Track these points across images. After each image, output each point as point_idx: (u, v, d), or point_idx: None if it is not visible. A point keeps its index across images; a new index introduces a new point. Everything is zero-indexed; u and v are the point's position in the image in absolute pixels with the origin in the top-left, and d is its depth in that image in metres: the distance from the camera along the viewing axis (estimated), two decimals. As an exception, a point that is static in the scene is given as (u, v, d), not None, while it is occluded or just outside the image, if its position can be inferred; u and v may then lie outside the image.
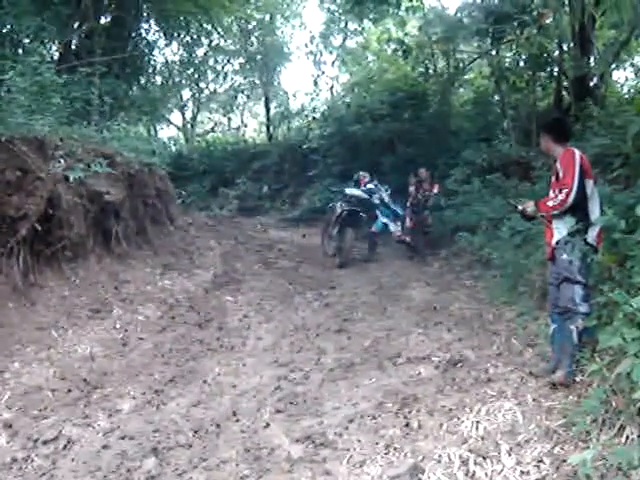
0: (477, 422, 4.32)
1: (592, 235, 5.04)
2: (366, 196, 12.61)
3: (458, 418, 4.44)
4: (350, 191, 12.77)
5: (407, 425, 4.43)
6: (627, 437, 3.64)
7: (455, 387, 5.14)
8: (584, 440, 3.84)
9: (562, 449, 3.81)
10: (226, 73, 30.35)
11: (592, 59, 14.54)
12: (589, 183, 5.08)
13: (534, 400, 4.61)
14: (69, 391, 5.40)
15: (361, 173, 13.40)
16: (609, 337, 4.13)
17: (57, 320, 7.09)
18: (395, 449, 4.06)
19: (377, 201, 12.55)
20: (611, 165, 8.45)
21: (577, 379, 4.79)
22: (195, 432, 4.55)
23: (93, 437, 4.49)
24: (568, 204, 4.99)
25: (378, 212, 12.63)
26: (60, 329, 6.91)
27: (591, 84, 14.53)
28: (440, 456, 3.90)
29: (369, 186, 12.83)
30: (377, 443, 4.17)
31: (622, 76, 18.72)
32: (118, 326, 7.28)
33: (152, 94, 19.50)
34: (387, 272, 11.36)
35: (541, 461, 3.71)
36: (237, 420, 4.76)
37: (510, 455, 3.83)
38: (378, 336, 6.96)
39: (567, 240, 5.06)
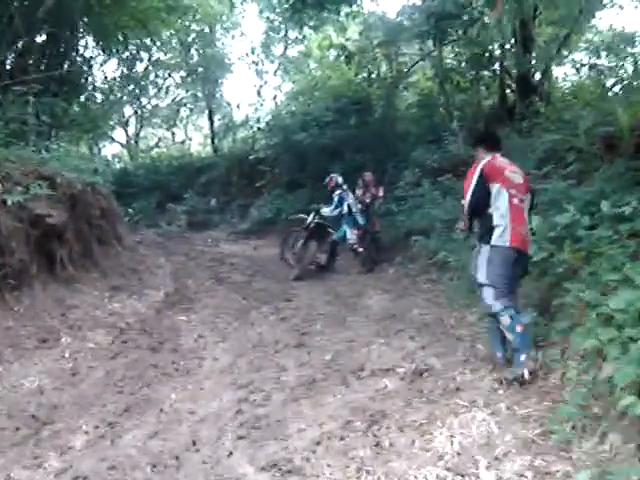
0: (451, 436, 4.12)
1: (497, 236, 5.23)
2: (336, 213, 12.33)
3: (431, 433, 4.23)
4: (324, 212, 12.35)
5: (378, 444, 4.19)
6: (611, 445, 3.47)
7: (424, 399, 4.93)
8: (565, 449, 3.67)
9: (543, 460, 3.63)
10: (168, 87, 30.00)
11: (534, 56, 14.61)
12: (494, 187, 5.26)
13: (507, 408, 4.43)
14: (17, 429, 5.00)
15: (332, 175, 12.94)
16: (583, 339, 3.98)
17: (1, 353, 6.66)
18: (367, 472, 3.83)
19: (345, 210, 12.26)
20: (563, 160, 8.39)
21: (551, 383, 4.64)
22: (153, 466, 4.24)
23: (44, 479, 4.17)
24: (465, 210, 5.45)
25: (343, 220, 12.34)
26: (5, 362, 6.47)
27: (534, 81, 14.58)
28: (416, 477, 3.68)
29: (337, 192, 12.47)
30: (347, 467, 3.93)
31: (561, 72, 18.87)
32: (67, 355, 6.84)
33: (92, 112, 18.99)
34: (342, 281, 11.14)
35: (523, 475, 3.52)
36: (197, 450, 4.46)
37: (489, 471, 3.63)
38: (339, 349, 6.72)
39: (474, 245, 5.61)
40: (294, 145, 17.82)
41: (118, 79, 23.95)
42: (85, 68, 18.60)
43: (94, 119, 18.70)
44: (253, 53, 28.07)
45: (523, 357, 4.94)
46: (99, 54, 20.57)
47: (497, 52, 15.62)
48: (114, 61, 23.13)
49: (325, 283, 11.06)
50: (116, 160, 30.54)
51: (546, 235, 5.65)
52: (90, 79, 19.79)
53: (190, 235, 19.07)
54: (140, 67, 25.91)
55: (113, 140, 32.09)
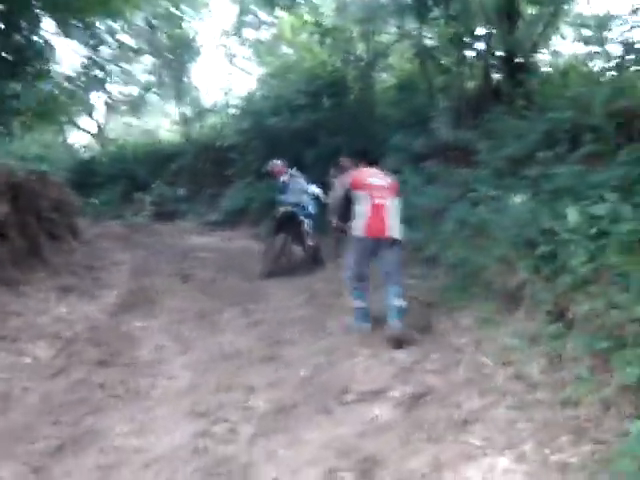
0: (468, 496, 3.17)
1: (355, 228, 6.66)
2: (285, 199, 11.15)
3: (440, 490, 3.28)
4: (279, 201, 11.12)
5: (372, 507, 3.24)
6: None
7: (425, 435, 3.95)
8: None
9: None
10: (134, 73, 28.79)
11: (519, 35, 13.77)
12: (356, 193, 6.73)
13: (535, 452, 3.48)
14: None
15: (273, 162, 11.77)
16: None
17: None
18: None
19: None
20: (563, 141, 7.51)
21: (582, 415, 3.70)
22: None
23: None
24: (330, 209, 7.59)
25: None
26: None
27: (521, 61, 13.73)
28: None
29: (282, 178, 11.36)
30: None
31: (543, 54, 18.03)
32: (-2, 374, 5.80)
33: (49, 97, 17.73)
34: (318, 276, 10.15)
35: None
36: (141, 509, 3.49)
37: None
38: (317, 362, 5.73)
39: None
40: (265, 130, 16.83)
41: (83, 64, 22.91)
42: (41, 49, 17.37)
43: (55, 104, 17.50)
44: (223, 36, 27.03)
45: (356, 326, 6.68)
46: (60, 36, 19.53)
47: (480, 31, 14.67)
48: (77, 46, 22.28)
49: (300, 280, 10.05)
50: (82, 148, 29.19)
51: (586, 232, 4.59)
52: (48, 61, 18.61)
53: (157, 226, 17.99)
54: (106, 53, 24.94)
55: (79, 128, 30.83)
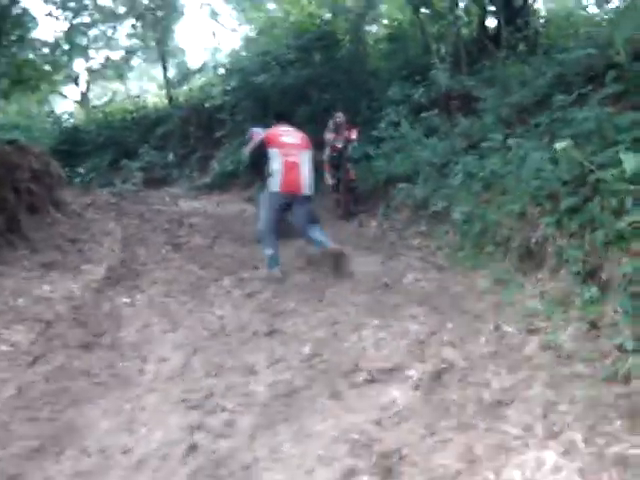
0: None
1: (271, 184, 7.25)
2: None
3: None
4: None
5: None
6: None
7: (453, 422, 3.39)
8: None
9: None
10: (117, 37, 27.99)
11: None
12: (271, 150, 7.24)
13: (586, 442, 2.94)
14: None
15: (253, 129, 11.18)
16: None
17: None
18: None
19: None
20: (574, 84, 6.92)
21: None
22: None
23: None
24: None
25: None
26: None
27: (518, 4, 13.06)
28: None
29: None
30: None
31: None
32: (-28, 364, 5.21)
33: (29, 64, 16.97)
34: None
35: None
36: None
37: None
38: (320, 336, 5.18)
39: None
40: (255, 88, 16.14)
41: (64, 31, 22.35)
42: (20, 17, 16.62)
43: (31, 72, 16.76)
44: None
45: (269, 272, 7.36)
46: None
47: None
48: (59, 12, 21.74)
49: (295, 242, 9.47)
50: (67, 117, 28.43)
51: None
52: (28, 31, 17.86)
53: (147, 193, 17.34)
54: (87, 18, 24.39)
55: (64, 96, 30.08)
